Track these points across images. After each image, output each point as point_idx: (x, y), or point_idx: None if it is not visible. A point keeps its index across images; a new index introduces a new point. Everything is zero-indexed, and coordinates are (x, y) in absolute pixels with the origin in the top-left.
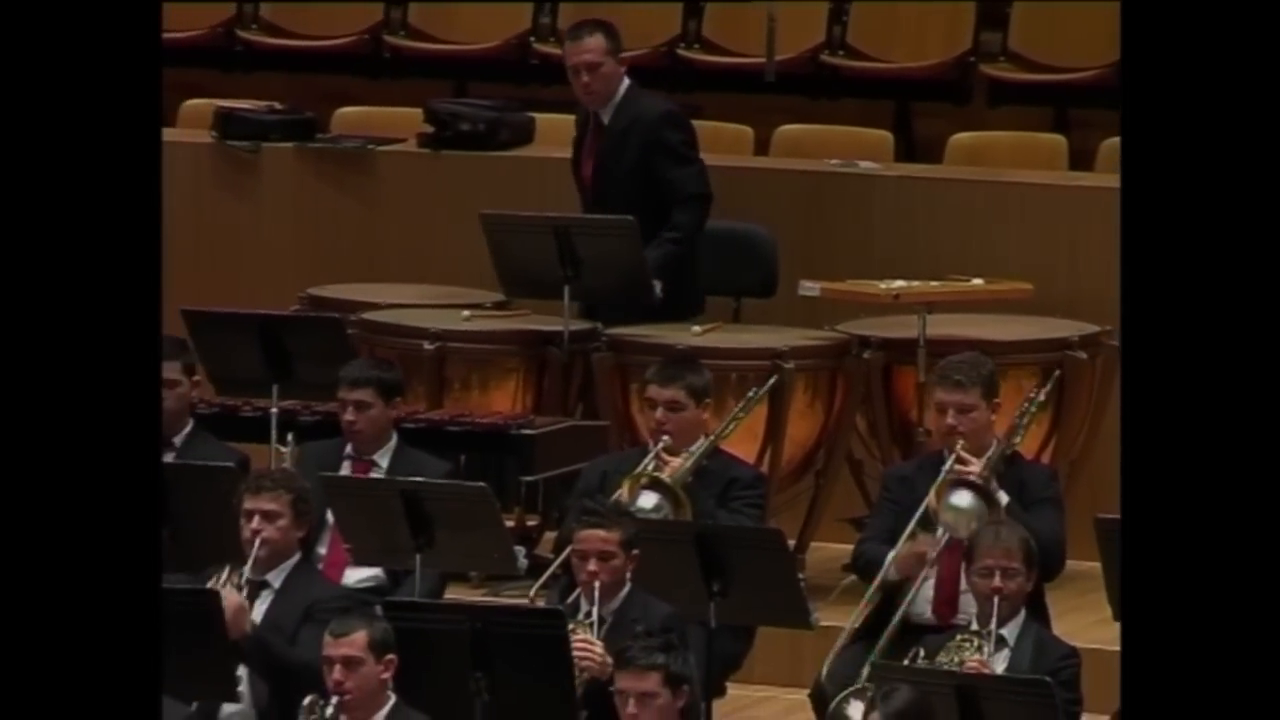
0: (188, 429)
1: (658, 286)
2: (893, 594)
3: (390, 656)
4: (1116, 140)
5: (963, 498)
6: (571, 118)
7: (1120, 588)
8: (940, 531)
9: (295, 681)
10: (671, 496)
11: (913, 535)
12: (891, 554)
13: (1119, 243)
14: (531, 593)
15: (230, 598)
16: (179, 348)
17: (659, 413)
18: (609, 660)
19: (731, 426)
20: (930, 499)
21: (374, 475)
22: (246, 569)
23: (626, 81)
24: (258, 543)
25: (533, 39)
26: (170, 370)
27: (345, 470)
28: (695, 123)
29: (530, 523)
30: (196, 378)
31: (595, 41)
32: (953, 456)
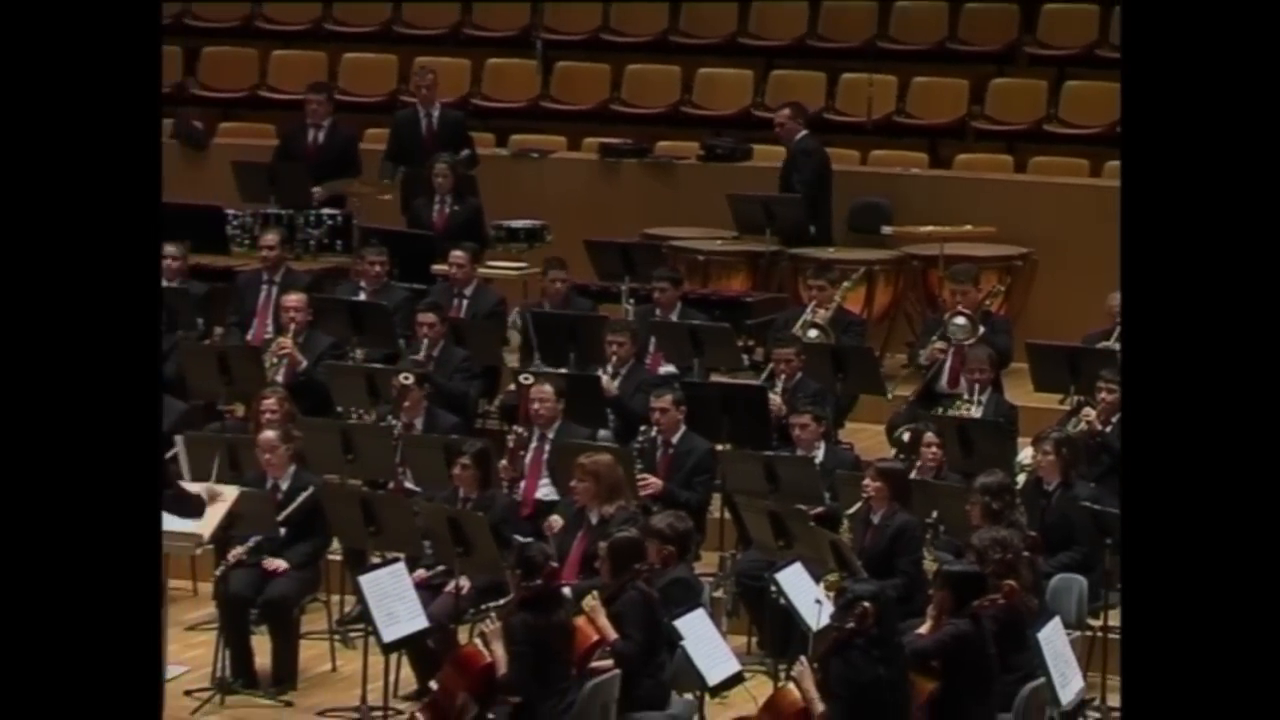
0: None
1: (811, 229)
2: (929, 379)
3: (683, 407)
4: (1044, 158)
5: (959, 319)
6: (772, 147)
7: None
8: (950, 340)
9: (631, 419)
10: (824, 329)
11: (932, 342)
12: (923, 350)
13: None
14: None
15: (605, 381)
16: (559, 262)
17: (814, 290)
18: (783, 406)
19: (846, 295)
20: (945, 318)
21: None
22: (609, 368)
23: (804, 131)
24: (614, 359)
25: (752, 108)
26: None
27: None
28: (828, 150)
29: (750, 343)
30: (563, 273)
31: (782, 113)
32: (958, 308)
